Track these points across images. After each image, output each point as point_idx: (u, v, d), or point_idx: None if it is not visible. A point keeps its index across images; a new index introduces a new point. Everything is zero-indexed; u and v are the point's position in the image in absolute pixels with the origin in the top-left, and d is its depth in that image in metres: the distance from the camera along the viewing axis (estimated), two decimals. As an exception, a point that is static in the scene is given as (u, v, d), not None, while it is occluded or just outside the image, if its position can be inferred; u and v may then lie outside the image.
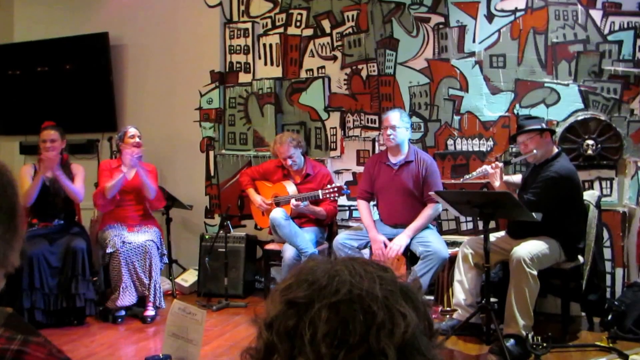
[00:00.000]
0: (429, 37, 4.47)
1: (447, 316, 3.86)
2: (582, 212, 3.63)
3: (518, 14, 4.24)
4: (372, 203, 4.35)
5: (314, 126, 4.85)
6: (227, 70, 5.14)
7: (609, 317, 3.63)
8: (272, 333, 0.74)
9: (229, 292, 4.46)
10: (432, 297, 4.22)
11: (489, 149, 4.34)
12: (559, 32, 4.15)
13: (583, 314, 3.89)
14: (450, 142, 4.44)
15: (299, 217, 4.36)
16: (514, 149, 4.23)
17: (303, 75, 4.87)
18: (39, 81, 5.55)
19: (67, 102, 5.44)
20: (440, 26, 4.44)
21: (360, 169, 4.58)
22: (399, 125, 4.04)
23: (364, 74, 4.67)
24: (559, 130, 4.07)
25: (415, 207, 4.09)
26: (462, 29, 4.37)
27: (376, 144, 4.68)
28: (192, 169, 5.20)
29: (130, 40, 5.40)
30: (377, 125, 4.62)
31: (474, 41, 4.35)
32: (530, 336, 3.14)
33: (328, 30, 4.78)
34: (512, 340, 3.20)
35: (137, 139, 4.35)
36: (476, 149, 4.37)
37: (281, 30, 4.93)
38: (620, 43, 4.04)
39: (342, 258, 0.80)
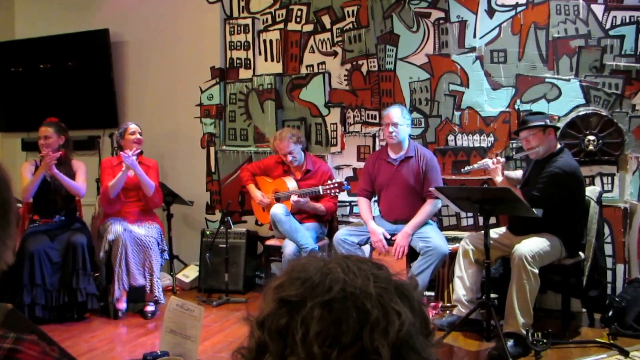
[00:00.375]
0: (430, 32, 4.45)
1: (447, 312, 3.86)
2: (584, 208, 3.62)
3: (519, 8, 4.22)
4: (373, 199, 4.35)
5: (315, 122, 4.84)
6: (227, 66, 5.14)
7: (610, 313, 3.61)
8: (264, 332, 0.73)
9: (229, 288, 4.47)
10: (432, 293, 4.22)
11: (489, 144, 4.33)
12: (560, 27, 4.12)
13: (583, 310, 3.89)
14: (450, 137, 4.43)
15: (300, 213, 4.36)
16: (514, 145, 4.22)
17: (303, 71, 4.87)
18: (40, 78, 5.56)
19: (68, 99, 5.44)
20: (441, 21, 4.42)
21: (361, 164, 4.57)
22: (401, 122, 4.04)
23: (364, 69, 4.66)
24: (560, 125, 4.05)
25: (415, 203, 4.09)
26: (463, 24, 4.36)
27: (376, 139, 4.67)
28: (192, 165, 5.21)
29: (130, 37, 5.40)
30: (377, 121, 4.61)
31: (474, 36, 4.33)
32: (530, 333, 3.13)
33: (328, 26, 4.77)
34: (511, 341, 3.18)
35: (138, 135, 4.36)
36: (477, 144, 4.36)
37: (281, 26, 4.92)
38: (622, 38, 4.01)
39: (335, 256, 0.79)
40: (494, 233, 3.67)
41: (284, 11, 4.91)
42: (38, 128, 4.26)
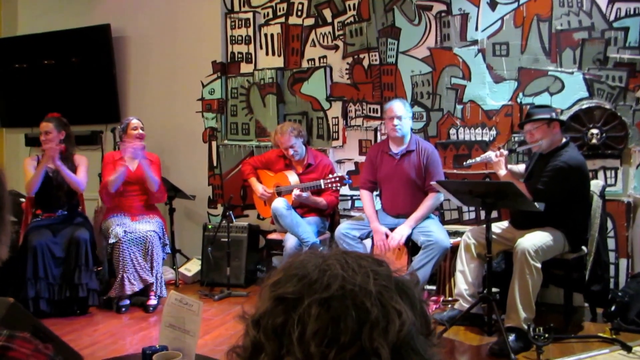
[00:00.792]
0: (431, 25, 4.42)
1: (449, 306, 3.85)
2: (588, 203, 3.59)
3: (521, 1, 4.18)
4: (375, 193, 4.34)
5: (316, 116, 4.83)
6: (228, 60, 5.13)
7: (613, 308, 3.58)
8: (259, 331, 0.70)
9: (231, 282, 4.48)
10: (433, 287, 4.21)
11: (491, 138, 4.30)
12: (564, 19, 4.09)
13: (586, 304, 3.87)
14: (452, 131, 4.41)
15: (301, 207, 4.35)
16: (516, 138, 4.19)
17: (305, 65, 4.85)
18: (42, 73, 5.58)
19: (71, 94, 5.47)
20: (443, 14, 4.39)
21: (362, 158, 4.56)
22: (404, 115, 4.03)
23: (365, 63, 4.64)
24: (564, 119, 4.02)
25: (417, 197, 4.07)
26: (465, 16, 4.32)
27: (378, 133, 4.65)
28: (194, 159, 5.21)
29: (132, 32, 5.40)
30: (379, 114, 4.60)
31: (476, 29, 4.30)
32: (531, 328, 3.11)
33: (329, 20, 4.75)
34: (513, 336, 3.17)
35: (140, 130, 4.36)
36: (479, 138, 4.34)
37: (282, 19, 4.91)
38: (626, 30, 3.97)
39: (334, 251, 0.76)
40: (496, 227, 3.66)
41: (285, 5, 4.90)
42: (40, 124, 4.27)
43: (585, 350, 3.14)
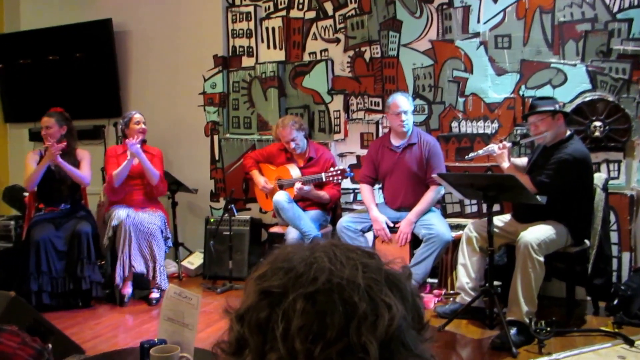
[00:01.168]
0: (433, 17, 4.39)
1: (451, 299, 3.85)
2: (591, 196, 3.57)
3: (524, -8, 4.16)
4: (377, 186, 4.33)
5: (318, 109, 4.82)
6: (230, 54, 5.12)
7: (615, 301, 3.56)
8: (243, 326, 0.68)
9: (233, 275, 4.48)
10: (435, 280, 4.21)
11: (494, 131, 4.28)
12: (566, 10, 4.05)
13: (588, 298, 3.85)
14: (454, 124, 4.39)
15: (303, 201, 4.35)
16: (519, 131, 4.17)
17: (306, 58, 4.83)
18: (45, 68, 5.59)
19: (73, 89, 5.48)
20: (444, 6, 4.36)
21: (364, 151, 4.55)
22: (410, 109, 4.03)
23: (367, 56, 4.62)
24: (567, 111, 4.00)
25: (419, 190, 4.07)
26: (467, 9, 4.29)
27: (380, 126, 4.64)
28: (197, 153, 5.22)
29: (133, 26, 5.40)
30: (380, 107, 4.58)
31: (478, 21, 4.27)
32: (533, 322, 3.11)
33: (331, 13, 4.72)
34: (514, 329, 3.16)
35: (143, 125, 4.37)
36: (481, 131, 4.32)
37: (283, 13, 4.89)
38: (630, 21, 3.93)
39: (323, 244, 0.73)
40: (498, 220, 3.64)
41: (286, -2, 4.88)
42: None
43: (588, 344, 3.12)
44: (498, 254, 3.78)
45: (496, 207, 4.12)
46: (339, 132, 4.76)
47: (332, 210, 4.54)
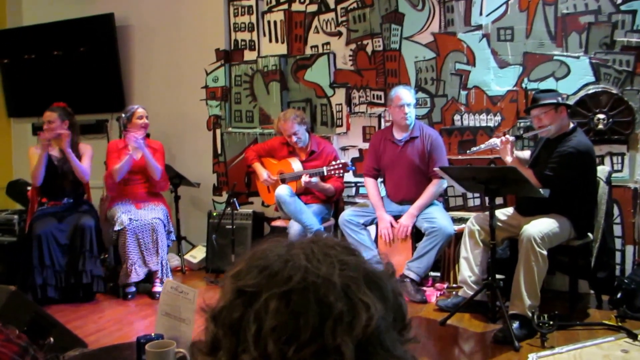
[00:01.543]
0: (435, 10, 4.37)
1: (453, 293, 3.85)
2: (594, 189, 3.55)
3: (527, -16, 4.12)
4: (379, 180, 4.32)
5: (320, 103, 4.81)
6: (232, 48, 5.11)
7: (618, 295, 3.54)
8: (217, 326, 0.67)
9: (235, 269, 4.48)
10: (438, 274, 4.21)
11: (496, 124, 4.26)
12: (569, 2, 4.01)
13: (591, 291, 3.84)
14: (457, 117, 4.37)
15: (305, 194, 4.35)
16: (522, 124, 4.15)
17: (308, 51, 4.82)
18: (47, 63, 5.60)
19: (76, 84, 5.49)
20: (447, -1, 4.34)
21: (366, 145, 4.54)
22: (412, 102, 4.02)
23: (369, 49, 4.60)
24: (570, 103, 3.97)
25: (421, 183, 4.06)
26: (469, 1, 4.26)
27: (382, 120, 4.62)
28: (199, 147, 5.22)
29: (135, 21, 5.40)
30: (382, 101, 4.56)
31: (481, 14, 4.24)
32: (535, 315, 3.10)
33: (332, 6, 4.70)
34: (517, 323, 3.15)
35: (146, 120, 4.37)
36: (483, 124, 4.29)
37: (285, 6, 4.87)
38: (634, 13, 3.88)
39: (302, 240, 0.71)
40: (501, 214, 3.63)
41: (287, -9, 4.86)
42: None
43: (591, 337, 3.10)
44: (501, 248, 3.77)
45: (499, 201, 4.11)
46: (341, 125, 4.75)
47: (334, 204, 4.54)
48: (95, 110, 5.49)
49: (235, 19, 5.06)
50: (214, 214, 4.89)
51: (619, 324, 3.25)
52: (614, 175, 3.82)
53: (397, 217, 4.08)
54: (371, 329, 0.63)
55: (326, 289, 0.64)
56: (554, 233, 3.30)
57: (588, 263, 3.59)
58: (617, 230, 3.90)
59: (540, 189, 3.23)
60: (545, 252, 3.22)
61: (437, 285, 4.12)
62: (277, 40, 4.93)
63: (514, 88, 4.19)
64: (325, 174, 4.13)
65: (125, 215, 4.13)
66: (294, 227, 4.15)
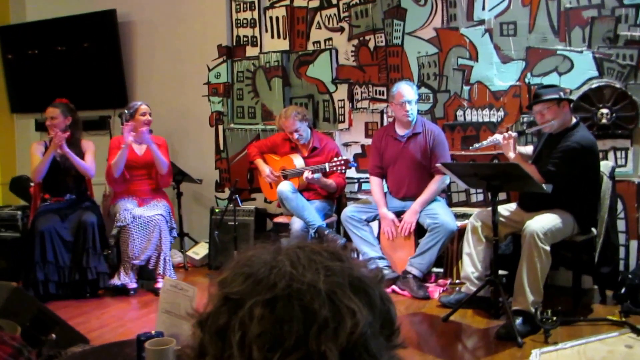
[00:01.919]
0: (437, 5, 4.34)
1: (456, 289, 3.84)
2: (598, 184, 3.53)
3: (530, -22, 4.09)
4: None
5: (322, 99, 4.80)
6: (234, 44, 5.10)
7: (622, 290, 3.53)
8: (204, 332, 0.67)
9: (238, 266, 4.48)
10: (441, 270, 4.20)
11: (499, 119, 4.24)
12: (573, -4, 4.00)
13: (595, 287, 3.82)
14: (459, 113, 4.35)
15: (307, 190, 4.34)
16: (525, 119, 4.13)
17: (310, 47, 4.81)
18: (51, 59, 5.60)
19: (79, 80, 5.49)
20: (449, -6, 4.31)
21: (369, 141, 4.53)
22: (415, 99, 4.01)
23: (371, 45, 4.58)
24: (573, 98, 3.94)
25: (424, 180, 4.05)
26: (472, -4, 4.24)
27: (384, 115, 4.61)
28: (201, 143, 5.23)
29: (137, 17, 5.39)
30: (385, 97, 4.55)
31: (483, 9, 4.22)
32: (538, 311, 3.09)
33: (334, 1, 4.68)
34: (520, 319, 3.14)
35: (149, 117, 4.37)
36: (486, 119, 4.27)
37: (287, 2, 4.85)
38: (637, 7, 3.86)
39: (288, 246, 0.71)
40: (504, 210, 3.61)
41: (289, -13, 4.84)
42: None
43: (594, 333, 3.09)
44: (504, 243, 3.76)
45: (502, 196, 4.09)
46: (344, 121, 4.74)
47: (337, 200, 4.53)
48: (98, 106, 5.49)
49: (237, 15, 5.05)
50: (217, 210, 4.89)
51: (623, 319, 3.23)
52: (617, 170, 3.80)
53: (399, 214, 4.07)
54: (356, 335, 0.63)
55: (311, 295, 0.64)
56: (557, 229, 3.28)
57: (592, 258, 3.58)
58: (621, 225, 3.89)
59: (543, 185, 3.21)
60: (548, 248, 3.21)
61: (440, 281, 4.11)
62: (279, 36, 4.92)
63: (517, 83, 4.17)
64: (328, 170, 4.12)
65: (127, 212, 4.14)
66: (296, 224, 4.15)
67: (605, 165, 3.66)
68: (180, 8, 5.21)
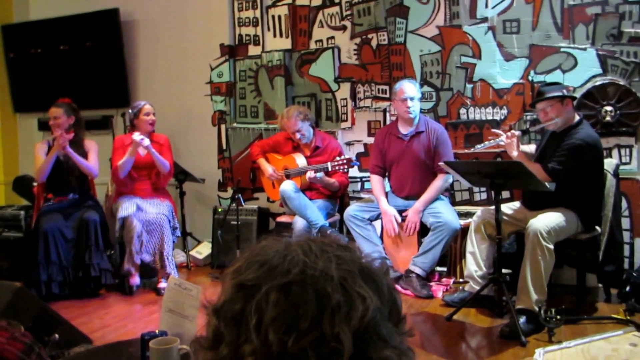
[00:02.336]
0: (440, 3, 4.33)
1: (460, 288, 3.83)
2: (601, 181, 3.51)
3: (533, -24, 4.08)
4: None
5: (325, 97, 4.79)
6: (236, 43, 5.10)
7: (627, 288, 3.52)
8: (219, 319, 0.70)
9: (241, 265, 4.48)
10: (444, 269, 4.19)
11: (502, 117, 4.23)
12: (576, -7, 3.98)
13: (600, 285, 3.81)
14: (462, 111, 4.34)
15: (310, 190, 4.34)
16: (528, 117, 4.11)
17: (312, 46, 4.80)
18: (54, 58, 5.60)
19: (82, 79, 5.49)
20: (452, -9, 4.30)
21: (371, 140, 4.52)
22: (417, 96, 4.00)
23: (374, 43, 4.57)
24: (576, 96, 3.92)
25: (427, 178, 4.05)
26: (474, -7, 4.23)
27: (387, 114, 4.60)
28: (204, 142, 5.23)
29: (140, 16, 5.40)
30: (387, 95, 4.54)
31: (486, 6, 4.21)
32: (542, 310, 3.07)
33: (337, 0, 4.67)
34: (523, 318, 3.13)
35: (152, 117, 4.37)
36: (490, 117, 4.26)
37: (289, 1, 4.85)
38: (641, 3, 3.86)
39: (299, 237, 0.75)
40: (508, 208, 3.60)
41: (291, -14, 4.84)
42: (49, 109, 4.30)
43: (599, 331, 3.07)
44: (508, 242, 3.74)
45: (506, 194, 4.08)
46: (346, 120, 4.73)
47: (339, 199, 4.52)
48: (101, 105, 5.49)
49: (239, 14, 5.04)
50: (219, 209, 4.89)
51: (628, 317, 3.22)
52: (621, 167, 3.79)
53: (402, 212, 4.06)
54: (367, 319, 0.65)
55: (324, 281, 0.66)
56: (561, 227, 3.27)
57: (596, 256, 3.57)
58: (626, 223, 3.87)
59: (546, 183, 3.20)
60: (551, 246, 3.19)
61: (444, 280, 4.10)
62: (281, 35, 4.91)
63: (520, 81, 4.16)
64: (330, 169, 4.12)
65: (131, 203, 4.15)
66: (299, 223, 4.14)
67: (609, 163, 3.64)
68: (182, 7, 5.21)
